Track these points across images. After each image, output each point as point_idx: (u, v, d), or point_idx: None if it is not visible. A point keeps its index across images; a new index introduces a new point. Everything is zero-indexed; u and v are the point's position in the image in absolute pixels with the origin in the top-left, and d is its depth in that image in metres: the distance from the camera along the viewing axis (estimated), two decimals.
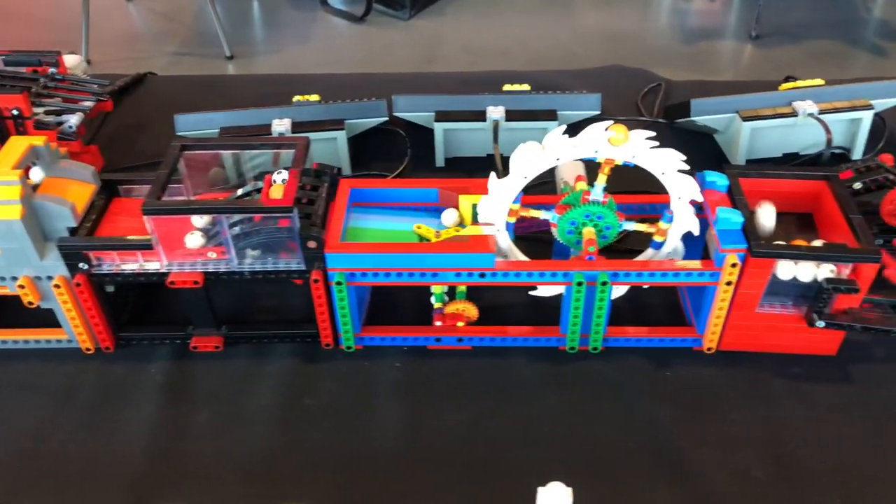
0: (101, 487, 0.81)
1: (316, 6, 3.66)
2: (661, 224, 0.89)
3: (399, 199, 0.96)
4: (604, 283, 0.87)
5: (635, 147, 0.83)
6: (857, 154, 1.19)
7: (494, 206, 0.88)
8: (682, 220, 0.89)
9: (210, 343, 0.94)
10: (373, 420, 0.87)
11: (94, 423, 0.87)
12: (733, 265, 0.85)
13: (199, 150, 0.91)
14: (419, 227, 0.91)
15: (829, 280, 0.85)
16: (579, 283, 0.87)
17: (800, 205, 0.96)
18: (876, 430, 0.85)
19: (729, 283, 0.87)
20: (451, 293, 0.98)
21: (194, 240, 0.85)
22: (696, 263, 0.88)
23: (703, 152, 1.26)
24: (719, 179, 0.91)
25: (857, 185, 0.95)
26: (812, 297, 0.87)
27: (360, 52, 3.31)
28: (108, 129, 1.34)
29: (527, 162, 0.85)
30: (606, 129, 0.84)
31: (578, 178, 0.94)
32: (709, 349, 0.94)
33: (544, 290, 0.93)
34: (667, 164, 0.85)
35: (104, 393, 0.91)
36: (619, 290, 0.95)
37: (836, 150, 1.21)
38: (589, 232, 0.89)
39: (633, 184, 0.98)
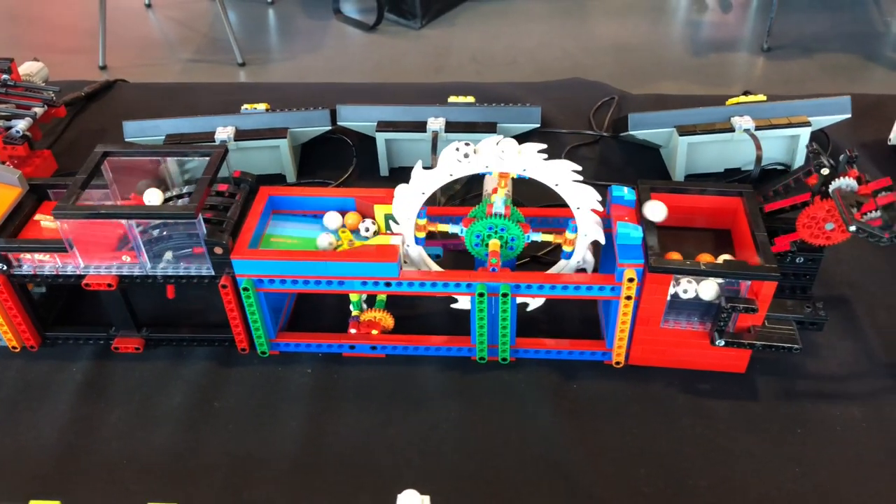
0: (5, 480, 0.84)
1: (329, 14, 3.71)
2: (568, 234, 0.90)
3: (317, 207, 0.98)
4: (504, 295, 0.88)
5: (527, 160, 0.84)
6: None
7: (404, 209, 0.89)
8: (586, 229, 0.89)
9: (131, 344, 0.97)
10: (275, 424, 0.89)
11: (10, 419, 0.91)
12: (630, 280, 0.85)
13: (122, 157, 0.94)
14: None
15: (728, 299, 0.85)
16: (481, 294, 0.88)
17: (718, 221, 0.96)
18: (772, 450, 0.85)
19: (629, 298, 0.87)
20: (371, 301, 1.00)
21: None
22: (597, 277, 0.88)
23: (648, 166, 1.26)
24: (627, 194, 0.91)
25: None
26: (713, 314, 0.87)
27: (371, 61, 3.34)
28: (70, 135, 1.38)
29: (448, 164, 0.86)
30: (497, 144, 0.85)
31: (495, 190, 0.95)
32: (617, 363, 0.94)
33: (463, 304, 0.95)
34: (559, 176, 0.85)
35: (24, 390, 0.94)
36: (535, 303, 0.96)
37: (778, 167, 1.20)
38: (493, 244, 0.90)
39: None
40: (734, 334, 0.88)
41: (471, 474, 0.84)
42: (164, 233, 0.89)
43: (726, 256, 0.89)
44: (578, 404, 0.91)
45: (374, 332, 0.96)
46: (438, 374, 0.95)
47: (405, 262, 0.93)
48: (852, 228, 0.84)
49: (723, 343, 0.87)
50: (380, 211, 0.94)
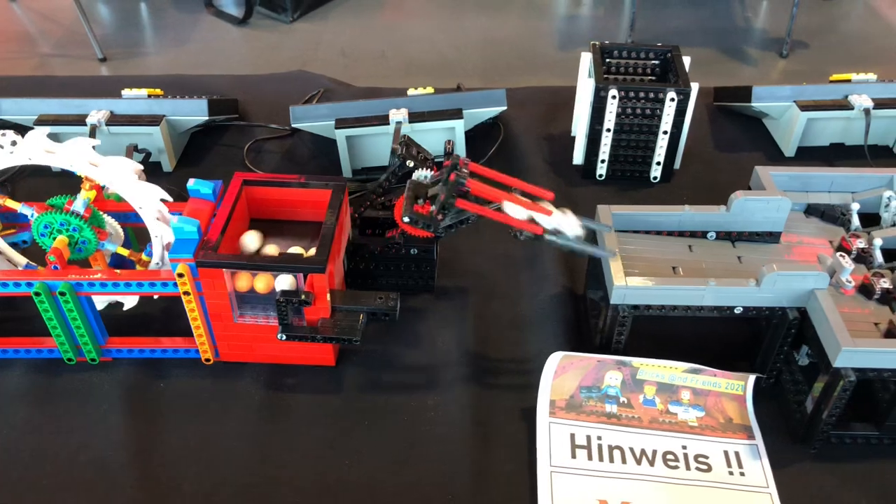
0: None
1: (202, 8, 3.63)
2: (144, 256, 0.89)
3: None
4: (63, 294, 0.85)
5: (112, 174, 0.82)
6: None
7: None
8: (153, 228, 0.87)
9: None
10: None
11: None
12: (180, 275, 0.83)
13: None
14: None
15: (283, 292, 0.83)
16: (38, 294, 0.85)
17: (318, 214, 0.94)
18: (336, 441, 0.85)
19: (187, 294, 0.85)
20: None
21: None
22: (156, 274, 0.86)
23: (333, 160, 1.23)
24: (203, 187, 0.89)
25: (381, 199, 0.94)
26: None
27: (238, 55, 3.28)
28: None
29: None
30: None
31: (87, 179, 0.93)
32: (207, 360, 0.92)
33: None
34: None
35: None
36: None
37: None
38: (60, 241, 0.87)
39: None
40: (297, 327, 0.86)
41: (14, 483, 0.81)
42: None
43: (294, 249, 0.87)
44: (158, 404, 0.89)
45: None
46: (22, 377, 0.91)
47: None
48: (405, 219, 0.84)
49: (284, 337, 0.85)
50: None
